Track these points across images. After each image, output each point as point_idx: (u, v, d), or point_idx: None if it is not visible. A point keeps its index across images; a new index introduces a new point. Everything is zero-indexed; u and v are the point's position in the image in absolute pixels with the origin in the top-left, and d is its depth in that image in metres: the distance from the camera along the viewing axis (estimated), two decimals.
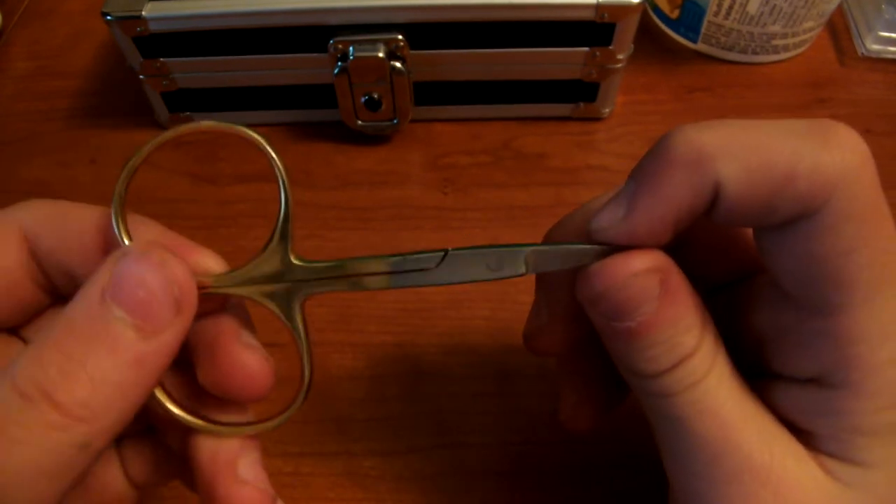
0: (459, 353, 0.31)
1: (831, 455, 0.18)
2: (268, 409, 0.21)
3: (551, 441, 0.28)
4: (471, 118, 0.40)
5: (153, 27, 0.35)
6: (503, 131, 0.40)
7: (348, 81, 0.36)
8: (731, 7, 0.40)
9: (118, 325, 0.16)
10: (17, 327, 0.20)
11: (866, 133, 0.39)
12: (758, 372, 0.20)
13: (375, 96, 0.37)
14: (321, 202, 0.37)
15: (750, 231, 0.20)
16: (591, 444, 0.28)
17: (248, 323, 0.20)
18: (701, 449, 0.18)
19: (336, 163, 0.39)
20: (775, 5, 0.39)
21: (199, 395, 0.20)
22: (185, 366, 0.20)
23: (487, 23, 0.35)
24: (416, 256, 0.19)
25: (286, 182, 0.19)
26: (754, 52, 0.42)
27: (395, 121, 0.38)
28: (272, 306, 0.19)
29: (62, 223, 0.19)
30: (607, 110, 0.40)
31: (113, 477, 0.21)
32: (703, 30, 0.42)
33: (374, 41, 0.35)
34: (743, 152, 0.16)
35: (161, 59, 0.37)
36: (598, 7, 0.34)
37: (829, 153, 0.16)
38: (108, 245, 0.18)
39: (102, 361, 0.16)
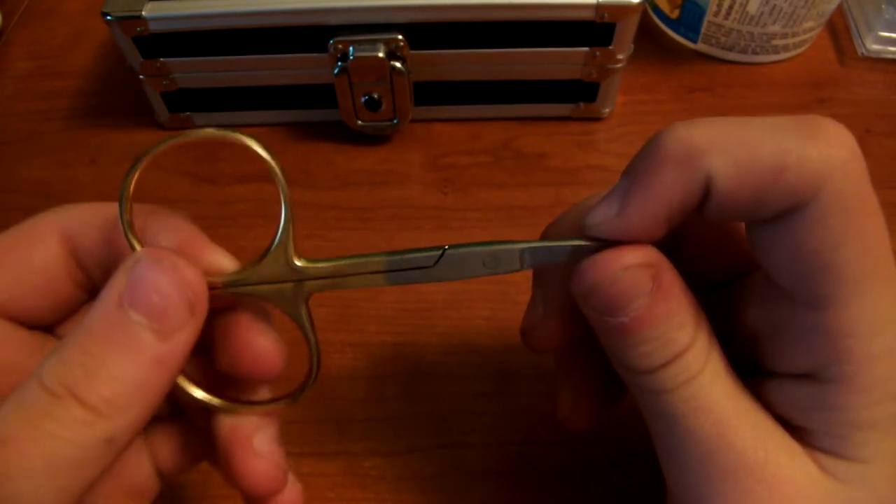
0: (459, 353, 0.31)
1: (826, 451, 0.18)
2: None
3: (551, 441, 0.28)
4: (471, 118, 0.40)
5: (153, 27, 0.35)
6: (503, 131, 0.40)
7: (348, 81, 0.36)
8: (731, 7, 0.40)
9: (136, 329, 0.17)
10: (52, 325, 0.21)
11: (866, 133, 0.39)
12: (752, 369, 0.20)
13: (375, 96, 0.37)
14: (321, 202, 0.37)
15: (743, 229, 0.20)
16: (590, 444, 0.28)
17: (263, 312, 0.21)
18: (695, 446, 0.18)
19: (336, 163, 0.39)
20: (775, 5, 0.39)
21: (218, 380, 0.21)
22: (206, 353, 0.21)
23: (487, 23, 0.35)
24: (413, 255, 0.19)
25: (286, 187, 0.19)
26: (754, 52, 0.42)
27: (395, 121, 0.38)
28: (278, 304, 0.20)
29: (101, 221, 0.20)
30: (607, 110, 0.40)
31: (139, 464, 0.22)
32: (703, 30, 0.42)
33: (374, 41, 0.35)
34: (732, 147, 0.17)
35: (161, 59, 0.37)
36: (598, 7, 0.34)
37: (817, 147, 0.16)
38: (149, 242, 0.19)
39: (123, 361, 0.16)
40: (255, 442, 0.20)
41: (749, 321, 0.20)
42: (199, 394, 0.20)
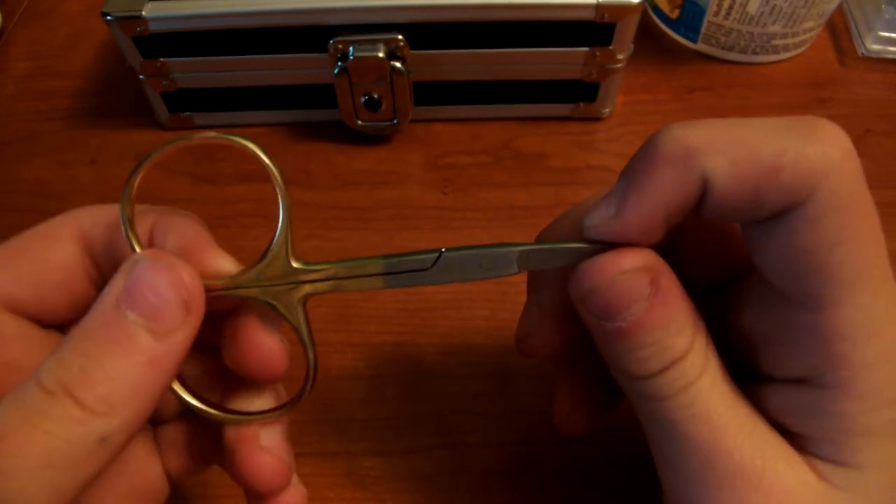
0: (459, 353, 0.31)
1: (823, 458, 0.18)
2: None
3: (551, 441, 0.28)
4: (471, 118, 0.40)
5: (153, 27, 0.35)
6: (503, 131, 0.40)
7: (348, 81, 0.36)
8: (731, 7, 0.40)
9: (132, 328, 0.17)
10: (66, 325, 0.21)
11: (866, 133, 0.39)
12: (749, 375, 0.19)
13: (375, 96, 0.37)
14: (321, 202, 0.37)
15: (739, 231, 0.20)
16: (590, 444, 0.28)
17: (270, 315, 0.21)
18: (693, 453, 0.18)
19: (336, 163, 0.39)
20: (775, 5, 0.39)
21: (226, 380, 0.21)
22: (213, 354, 0.21)
23: (487, 23, 0.35)
24: (411, 257, 0.19)
25: (284, 190, 0.19)
26: (754, 52, 0.42)
27: (395, 121, 0.38)
28: (276, 307, 0.20)
29: (116, 222, 0.20)
30: (607, 110, 0.40)
31: (148, 466, 0.22)
32: (703, 30, 0.42)
33: (374, 41, 0.35)
34: (729, 147, 0.17)
35: (161, 59, 0.37)
36: (598, 7, 0.34)
37: (813, 146, 0.16)
38: (155, 243, 0.20)
39: (119, 361, 0.17)
40: (263, 437, 0.21)
41: (745, 324, 0.20)
42: (196, 403, 0.20)
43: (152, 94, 0.39)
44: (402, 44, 0.35)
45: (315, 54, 0.36)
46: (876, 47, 0.43)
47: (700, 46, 0.43)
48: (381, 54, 0.35)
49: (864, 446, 0.17)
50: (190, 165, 0.39)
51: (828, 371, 0.17)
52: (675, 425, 0.18)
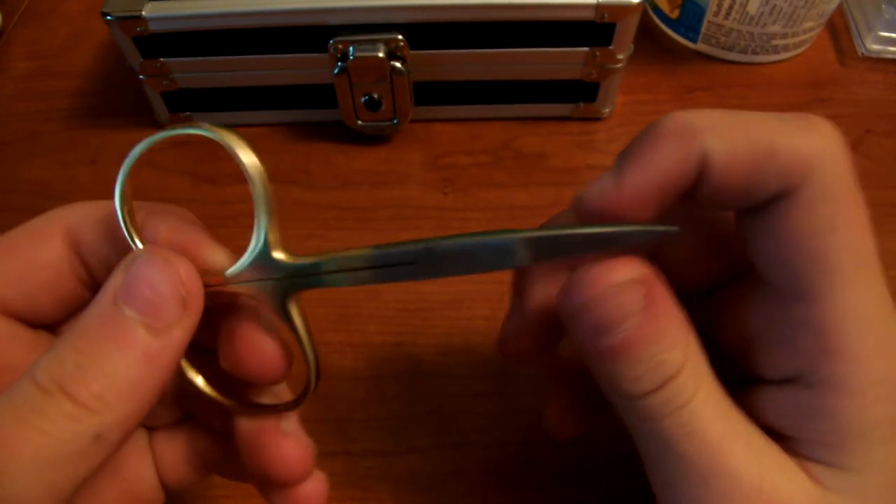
0: (459, 353, 0.31)
1: (818, 461, 0.17)
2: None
3: (551, 441, 0.28)
4: (471, 118, 0.40)
5: (153, 27, 0.35)
6: (503, 131, 0.40)
7: (348, 81, 0.36)
8: (731, 7, 0.40)
9: (129, 324, 0.17)
10: (56, 324, 0.21)
11: (866, 133, 0.39)
12: (740, 378, 0.19)
13: (375, 96, 0.37)
14: (321, 202, 0.37)
15: (726, 236, 0.20)
16: (589, 445, 0.28)
17: (266, 312, 0.21)
18: (689, 472, 0.17)
19: (336, 163, 0.39)
20: (775, 5, 0.39)
21: (223, 382, 0.21)
22: (210, 354, 0.21)
23: (487, 23, 0.35)
24: (399, 247, 0.18)
25: (259, 181, 0.19)
26: (754, 52, 0.42)
27: (395, 121, 0.38)
28: (267, 302, 0.19)
29: (104, 219, 0.20)
30: (607, 110, 0.40)
31: (142, 473, 0.22)
32: (703, 30, 0.42)
33: (374, 41, 0.35)
34: (728, 129, 0.17)
35: (161, 59, 0.37)
36: (598, 7, 0.34)
37: (809, 135, 0.17)
38: (147, 238, 0.19)
39: (115, 357, 0.16)
40: (283, 425, 0.21)
41: (736, 325, 0.20)
42: (211, 392, 0.20)
43: (152, 94, 0.39)
44: (402, 44, 0.35)
45: (315, 54, 0.36)
46: (876, 47, 0.43)
47: (700, 46, 0.43)
48: (381, 54, 0.35)
49: (859, 447, 0.17)
50: (190, 165, 0.39)
51: (821, 366, 0.17)
52: (669, 443, 0.17)
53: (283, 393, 0.22)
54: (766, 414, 0.18)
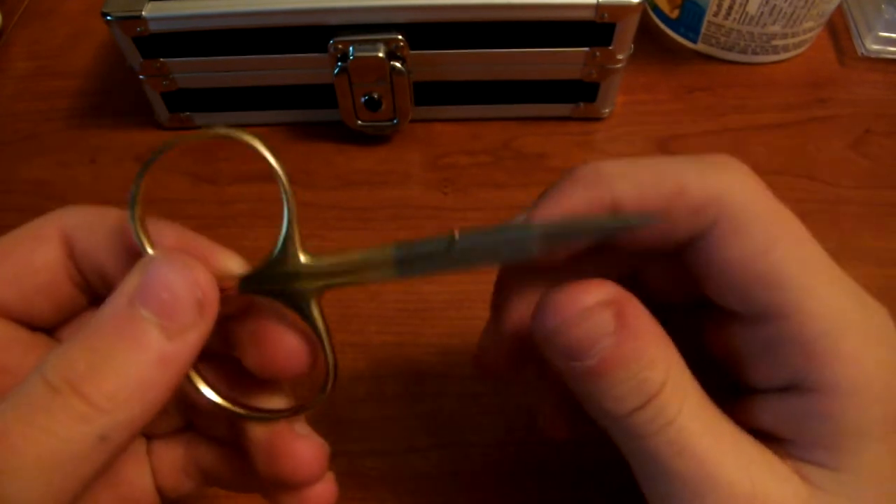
0: (459, 353, 0.31)
1: (814, 463, 0.17)
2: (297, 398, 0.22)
3: (551, 441, 0.28)
4: (471, 118, 0.40)
5: (153, 27, 0.35)
6: (503, 131, 0.40)
7: (348, 81, 0.36)
8: (730, 7, 0.40)
9: (144, 325, 0.17)
10: (53, 328, 0.21)
11: (866, 133, 0.39)
12: (733, 387, 0.19)
13: (375, 96, 0.37)
14: (321, 202, 0.37)
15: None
16: (589, 445, 0.28)
17: (281, 313, 0.21)
18: (681, 487, 0.17)
19: (336, 163, 0.39)
20: (775, 5, 0.39)
21: (236, 390, 0.21)
22: (221, 361, 0.21)
23: (487, 23, 0.35)
24: (423, 242, 0.18)
25: (287, 184, 0.19)
26: (754, 52, 0.42)
27: (395, 121, 0.38)
28: (290, 305, 0.20)
29: (99, 226, 0.20)
30: (607, 110, 0.40)
31: (139, 479, 0.22)
32: (703, 30, 0.42)
33: (374, 41, 0.35)
34: (636, 174, 0.19)
35: (161, 59, 0.37)
36: (598, 7, 0.34)
37: (715, 170, 0.18)
38: (155, 246, 0.19)
39: (129, 358, 0.16)
40: (297, 427, 0.21)
41: (720, 345, 0.20)
42: (225, 403, 0.20)
43: (152, 94, 0.39)
44: (402, 44, 0.35)
45: (315, 54, 0.36)
46: (876, 47, 0.43)
47: (700, 46, 0.43)
48: (381, 54, 0.35)
49: (855, 448, 0.17)
50: (190, 165, 0.39)
51: (812, 371, 0.17)
52: (659, 460, 0.17)
53: (285, 399, 0.22)
54: (762, 420, 0.19)
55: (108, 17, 0.34)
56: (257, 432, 0.21)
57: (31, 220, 0.20)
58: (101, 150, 0.40)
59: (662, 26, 0.45)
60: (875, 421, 0.17)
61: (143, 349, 0.17)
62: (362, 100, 0.37)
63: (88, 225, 0.20)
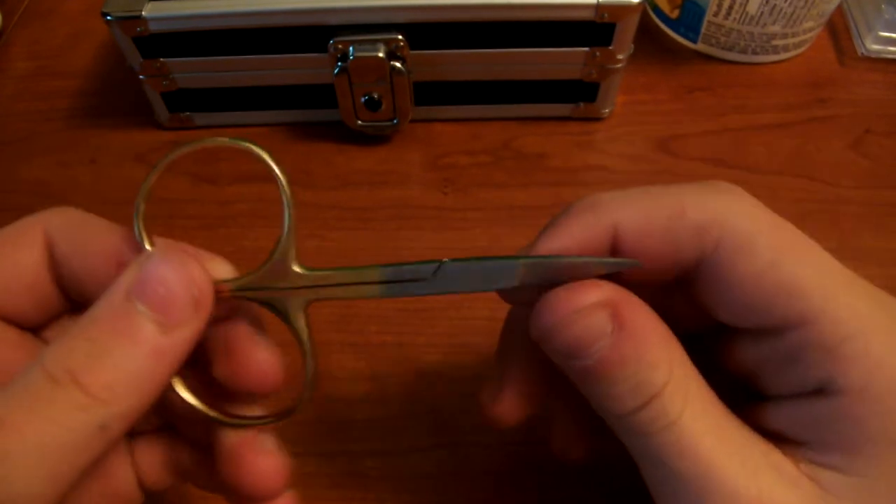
0: (459, 353, 0.31)
1: (830, 467, 0.17)
2: (276, 406, 0.21)
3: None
4: (471, 118, 0.40)
5: (153, 27, 0.35)
6: (503, 131, 0.40)
7: (348, 81, 0.36)
8: (731, 7, 0.40)
9: (140, 319, 0.17)
10: (38, 328, 0.21)
11: (866, 133, 0.39)
12: (745, 391, 0.19)
13: (375, 96, 0.37)
14: (321, 202, 0.37)
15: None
16: None
17: (260, 325, 0.21)
18: (685, 488, 0.17)
19: (336, 163, 0.39)
20: (775, 5, 0.39)
21: (215, 395, 0.21)
22: (202, 368, 0.21)
23: (487, 23, 0.35)
24: (412, 267, 0.19)
25: (289, 195, 0.19)
26: (754, 52, 0.42)
27: (395, 121, 0.38)
28: (277, 312, 0.20)
29: (80, 233, 0.20)
30: (607, 110, 0.40)
31: (122, 473, 0.22)
32: (703, 30, 0.42)
33: (374, 41, 0.35)
34: (635, 201, 0.19)
35: (161, 59, 0.37)
36: (598, 7, 0.34)
37: (712, 193, 0.19)
38: (118, 261, 0.19)
39: (124, 351, 0.17)
40: (263, 442, 0.21)
41: (735, 360, 0.20)
42: (198, 405, 0.20)
43: (152, 94, 0.39)
44: (402, 44, 0.35)
45: (315, 54, 0.36)
46: (876, 47, 0.43)
47: (700, 46, 0.43)
48: (381, 54, 0.35)
49: (874, 453, 0.17)
50: (190, 165, 0.39)
51: (839, 375, 0.17)
52: (663, 461, 0.17)
53: (259, 407, 0.22)
54: (776, 423, 0.18)
55: (108, 17, 0.34)
56: (226, 440, 0.21)
57: (16, 220, 0.21)
58: (101, 150, 0.40)
59: (662, 26, 0.45)
60: (893, 427, 0.17)
61: (138, 343, 0.17)
62: (362, 100, 0.37)
63: (70, 230, 0.20)
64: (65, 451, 0.16)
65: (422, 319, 0.32)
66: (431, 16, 0.35)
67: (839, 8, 0.45)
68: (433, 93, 0.38)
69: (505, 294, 0.21)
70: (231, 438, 0.21)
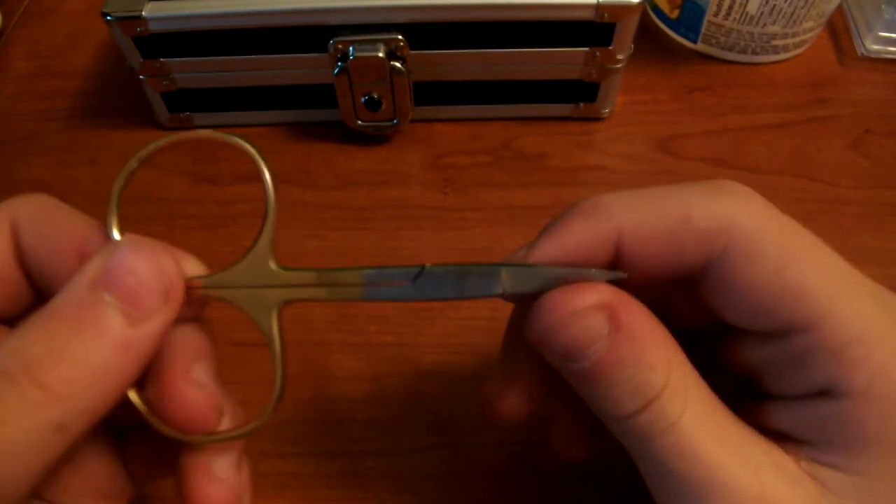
0: (459, 353, 0.31)
1: (833, 466, 0.17)
2: (251, 412, 0.21)
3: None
4: (471, 118, 0.40)
5: (153, 27, 0.35)
6: (503, 131, 0.40)
7: (348, 81, 0.36)
8: (730, 7, 0.40)
9: (107, 310, 0.16)
10: (12, 320, 0.21)
11: (866, 133, 0.39)
12: (746, 390, 0.19)
13: (375, 96, 0.37)
14: (321, 202, 0.37)
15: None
16: None
17: (207, 353, 0.20)
18: (686, 489, 0.17)
19: (336, 163, 0.39)
20: (775, 5, 0.39)
21: None
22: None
23: (487, 23, 0.35)
24: (391, 270, 0.19)
25: (272, 190, 0.19)
26: (754, 52, 0.42)
27: (395, 121, 0.38)
28: (249, 311, 0.19)
29: (47, 223, 0.20)
30: (607, 110, 0.40)
31: (112, 466, 0.21)
32: (702, 30, 0.42)
33: (374, 41, 0.35)
34: (639, 205, 0.18)
35: (161, 59, 0.37)
36: (598, 7, 0.34)
37: (721, 196, 0.18)
38: (83, 254, 0.19)
39: (88, 343, 0.16)
40: (216, 466, 0.20)
41: (739, 360, 0.20)
42: (147, 415, 0.19)
43: (152, 94, 0.39)
44: (402, 44, 0.35)
45: (315, 54, 0.36)
46: (876, 47, 0.43)
47: (700, 46, 0.43)
48: (381, 54, 0.35)
49: (877, 453, 0.17)
50: (190, 165, 0.39)
51: (844, 377, 0.17)
52: (663, 462, 0.17)
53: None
54: (779, 422, 0.18)
55: (108, 17, 0.34)
56: (181, 460, 0.20)
57: None
58: (101, 150, 0.40)
59: (662, 26, 0.45)
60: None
61: (104, 334, 0.16)
62: (362, 100, 0.37)
63: (37, 221, 0.20)
64: (18, 454, 0.15)
65: (422, 319, 0.32)
66: (431, 16, 0.35)
67: (839, 8, 0.45)
68: (433, 93, 0.38)
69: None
70: (185, 458, 0.19)
